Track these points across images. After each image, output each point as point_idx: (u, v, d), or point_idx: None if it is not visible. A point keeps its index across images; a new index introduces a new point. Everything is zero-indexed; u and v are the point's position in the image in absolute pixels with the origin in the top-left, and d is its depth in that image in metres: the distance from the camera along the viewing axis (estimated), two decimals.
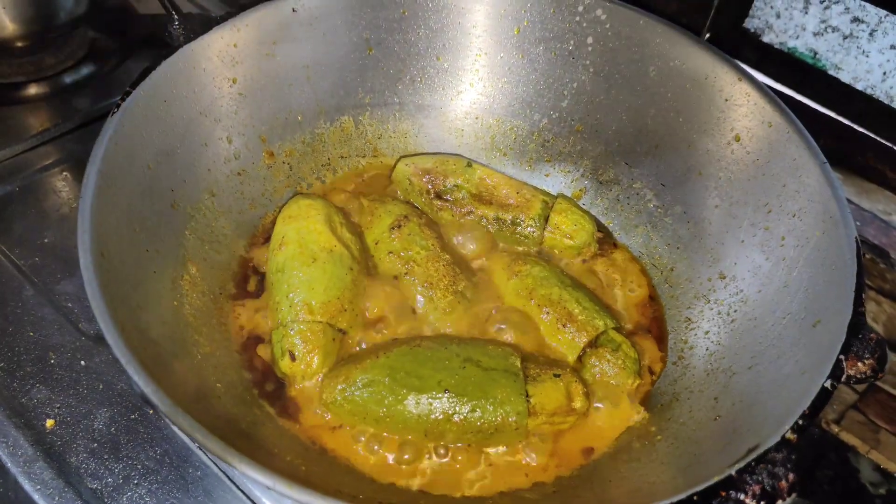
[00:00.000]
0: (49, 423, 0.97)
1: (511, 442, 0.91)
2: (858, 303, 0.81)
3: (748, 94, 1.04)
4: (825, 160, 0.95)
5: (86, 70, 1.50)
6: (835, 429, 1.06)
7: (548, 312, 1.01)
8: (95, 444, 0.95)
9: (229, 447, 0.65)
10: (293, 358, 0.93)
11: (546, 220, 1.11)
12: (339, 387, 0.90)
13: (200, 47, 1.02)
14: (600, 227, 1.16)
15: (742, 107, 1.05)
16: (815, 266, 0.90)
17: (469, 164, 1.15)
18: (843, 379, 0.75)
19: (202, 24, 1.03)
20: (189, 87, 1.01)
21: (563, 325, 1.00)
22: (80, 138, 1.35)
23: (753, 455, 0.70)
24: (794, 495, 0.68)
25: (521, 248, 1.13)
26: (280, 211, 1.08)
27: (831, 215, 0.90)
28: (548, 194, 1.16)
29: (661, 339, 1.05)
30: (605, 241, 1.15)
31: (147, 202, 0.93)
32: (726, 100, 1.06)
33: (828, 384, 0.74)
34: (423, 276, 1.03)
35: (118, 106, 0.91)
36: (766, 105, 1.02)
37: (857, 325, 0.79)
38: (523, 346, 1.00)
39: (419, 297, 1.02)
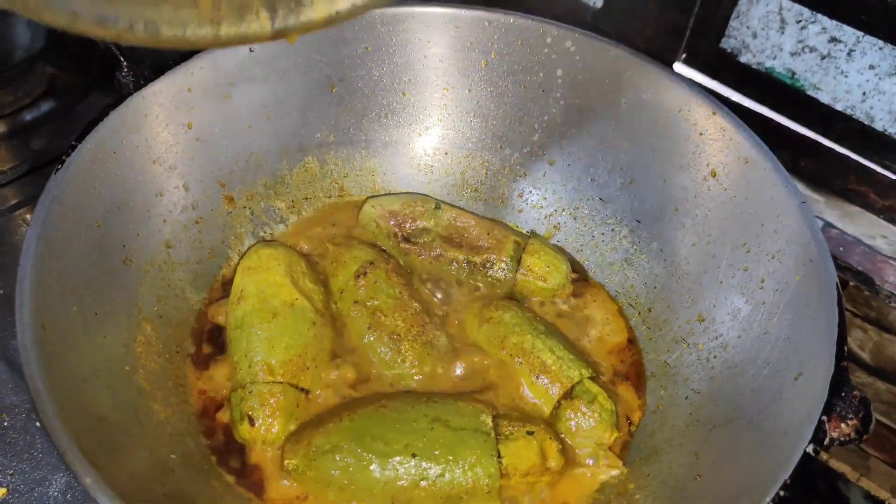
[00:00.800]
0: (1, 491, 0.92)
1: None
2: (840, 356, 0.77)
3: (723, 128, 1.00)
4: (804, 199, 0.92)
5: (45, 107, 1.45)
6: (824, 456, 1.03)
7: (520, 363, 0.97)
8: None
9: None
10: (252, 423, 0.89)
11: (519, 261, 1.08)
12: (301, 453, 0.86)
13: (152, 93, 0.97)
14: (575, 266, 1.13)
15: (717, 141, 1.01)
16: (795, 312, 0.87)
17: (437, 206, 1.11)
18: (825, 442, 0.71)
19: (153, 69, 0.98)
20: (140, 135, 0.96)
21: (537, 377, 0.96)
22: (36, 180, 1.30)
23: None
24: None
25: (492, 292, 1.09)
26: (240, 261, 1.03)
27: (811, 258, 0.87)
28: (520, 234, 1.12)
29: (639, 387, 1.02)
30: (580, 280, 1.12)
31: (96, 262, 0.88)
32: (701, 134, 1.03)
33: (810, 449, 0.71)
34: (390, 327, 0.99)
35: (62, 162, 0.87)
36: (743, 140, 0.98)
37: (840, 382, 0.75)
38: (496, 400, 0.96)
39: (386, 350, 0.98)
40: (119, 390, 0.83)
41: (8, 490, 0.92)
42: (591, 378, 0.96)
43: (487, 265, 1.08)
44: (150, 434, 0.83)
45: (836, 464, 1.03)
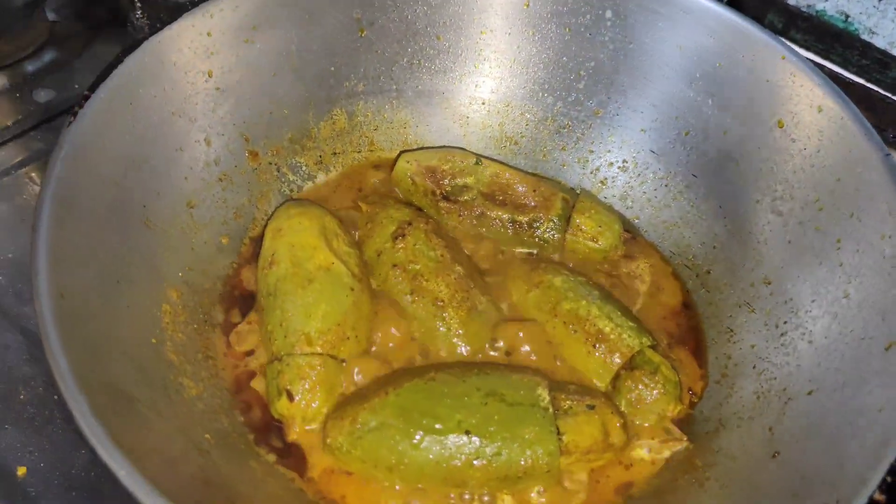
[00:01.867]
0: (20, 470, 0.85)
1: (541, 485, 0.80)
2: None
3: (793, 74, 0.92)
4: (888, 151, 0.84)
5: (48, 57, 1.36)
6: None
7: (575, 330, 0.90)
8: (74, 493, 0.84)
9: None
10: (291, 398, 0.82)
11: (567, 220, 1.00)
12: (346, 430, 0.80)
13: (169, 38, 0.89)
14: (626, 225, 1.05)
15: (785, 88, 0.93)
16: (881, 276, 0.80)
17: (478, 161, 1.03)
18: None
19: (169, 12, 0.90)
20: (158, 85, 0.88)
21: (594, 346, 0.89)
22: (45, 135, 1.22)
23: None
24: None
25: (540, 254, 1.01)
26: (268, 222, 0.96)
27: None
28: (568, 190, 1.05)
29: (699, 354, 0.95)
30: (633, 240, 1.04)
31: (115, 224, 0.81)
32: (767, 80, 0.94)
33: None
34: (433, 293, 0.91)
35: (74, 114, 0.79)
36: (815, 87, 0.90)
37: None
38: (550, 371, 0.89)
39: (430, 317, 0.91)
40: (146, 365, 0.76)
41: (28, 469, 0.86)
42: (652, 347, 0.90)
43: (534, 225, 1.00)
44: (182, 413, 0.77)
45: None
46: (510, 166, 1.07)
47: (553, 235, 1.00)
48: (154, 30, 0.88)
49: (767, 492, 0.74)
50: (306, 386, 0.82)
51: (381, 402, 0.80)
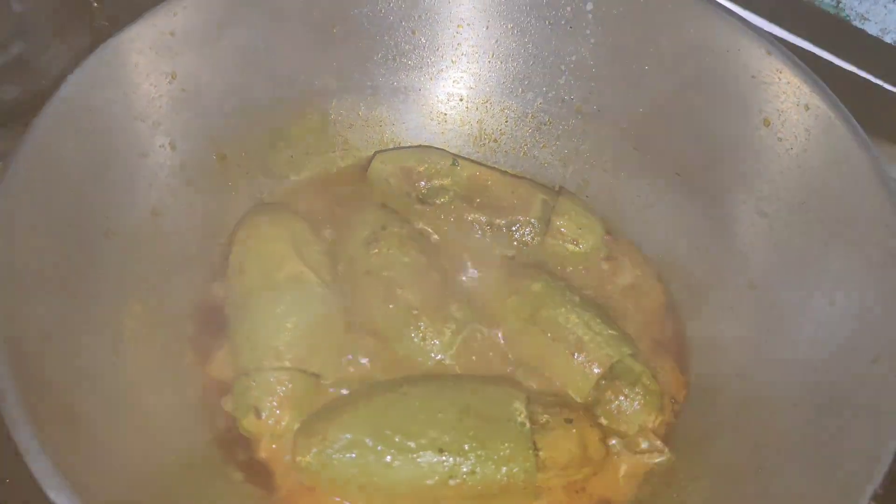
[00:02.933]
0: None
1: (519, 502, 0.78)
2: None
3: (779, 70, 0.89)
4: (877, 153, 0.81)
5: (15, 49, 1.32)
6: None
7: (554, 338, 0.88)
8: None
9: None
10: (258, 415, 0.80)
11: (547, 222, 0.97)
12: (314, 449, 0.77)
13: (129, 39, 0.86)
14: (608, 226, 1.02)
15: (772, 85, 0.90)
16: (867, 284, 0.77)
17: (455, 163, 1.00)
18: None
19: (130, 11, 0.86)
20: (118, 88, 0.85)
21: (573, 354, 0.86)
22: (10, 134, 1.18)
23: None
24: None
25: (518, 257, 0.98)
26: (237, 228, 0.93)
27: (887, 224, 0.77)
28: (548, 190, 1.02)
29: (682, 360, 0.93)
30: (615, 242, 1.01)
31: (74, 238, 0.78)
32: (752, 76, 0.91)
33: None
34: (407, 300, 0.89)
35: (28, 125, 0.75)
36: (802, 84, 0.87)
37: None
38: (527, 382, 0.87)
39: (404, 325, 0.88)
40: (106, 386, 0.74)
41: None
42: (632, 355, 0.87)
43: (512, 227, 0.98)
44: (144, 434, 0.74)
45: None
46: (488, 166, 1.04)
47: (532, 238, 0.97)
48: (116, 26, 0.85)
49: None
50: (274, 403, 0.80)
51: (351, 417, 0.78)
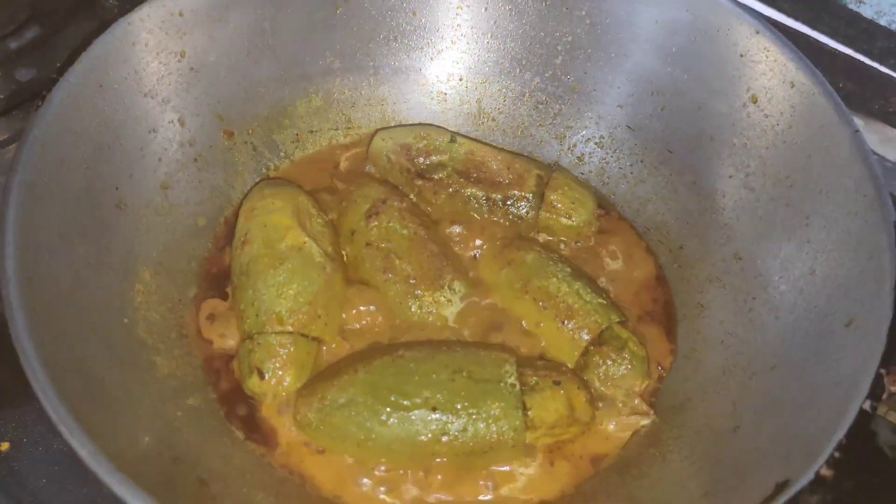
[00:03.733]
0: (3, 445, 0.87)
1: (508, 459, 0.82)
2: None
3: (766, 49, 0.92)
4: (857, 128, 0.83)
5: (30, 34, 1.35)
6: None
7: (545, 307, 0.91)
8: (56, 467, 0.86)
9: None
10: (262, 376, 0.83)
11: (542, 197, 1.00)
12: (315, 406, 0.81)
13: (139, 19, 0.89)
14: (601, 201, 1.05)
15: (759, 64, 0.93)
16: (845, 252, 0.80)
17: (453, 139, 1.03)
18: (884, 397, 0.66)
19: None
20: (129, 66, 0.88)
21: (563, 322, 0.90)
22: (26, 114, 1.21)
23: (784, 496, 0.61)
24: None
25: (514, 231, 1.01)
26: (243, 201, 0.96)
27: (865, 194, 0.80)
28: (543, 166, 1.05)
29: (669, 328, 0.96)
30: (607, 215, 1.04)
31: (87, 207, 0.82)
32: (741, 55, 0.94)
33: (867, 405, 0.65)
34: (405, 270, 0.92)
35: (42, 98, 0.79)
36: (788, 62, 0.90)
37: None
38: (519, 348, 0.90)
39: (402, 294, 0.92)
40: (117, 346, 0.78)
41: (10, 444, 0.87)
42: (621, 322, 0.90)
43: (508, 202, 1.01)
44: (153, 391, 0.78)
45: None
46: (485, 143, 1.07)
47: (527, 212, 1.00)
48: (124, 10, 0.88)
49: (726, 465, 0.75)
50: (276, 364, 0.84)
51: (350, 378, 0.82)
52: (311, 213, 0.95)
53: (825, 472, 0.62)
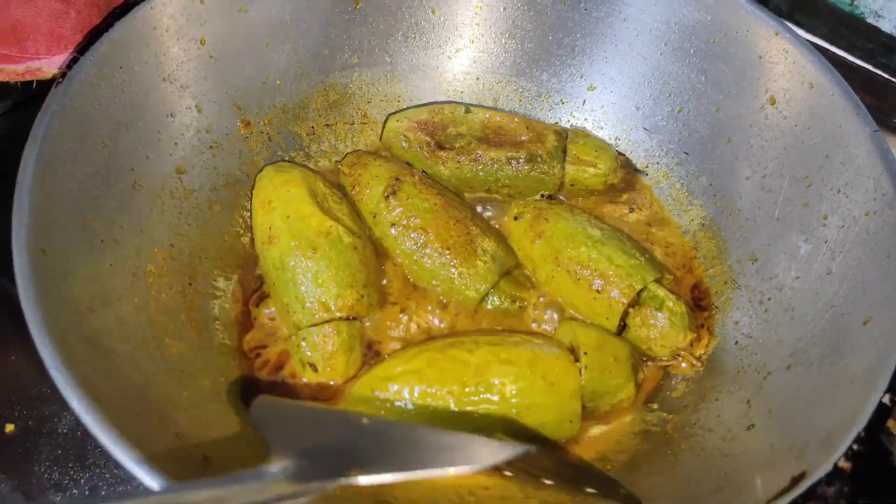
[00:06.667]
0: (8, 427, 0.87)
1: None
2: None
3: (786, 50, 0.91)
4: (877, 127, 0.83)
5: None
6: None
7: (578, 277, 0.91)
8: (60, 451, 0.86)
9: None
10: (315, 369, 0.87)
11: (564, 151, 1.01)
12: (377, 393, 0.84)
13: (161, 4, 0.89)
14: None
15: (778, 65, 0.92)
16: (863, 252, 0.79)
17: (468, 110, 1.04)
18: None
19: None
20: (149, 50, 0.89)
21: (598, 290, 0.90)
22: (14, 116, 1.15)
23: (800, 488, 0.59)
24: None
25: (540, 187, 1.02)
26: (254, 190, 0.97)
27: (884, 193, 0.79)
28: (559, 127, 1.06)
29: None
30: (627, 158, 1.07)
31: (102, 185, 0.81)
32: (760, 57, 0.94)
33: (886, 399, 0.64)
34: (434, 241, 0.93)
35: (64, 75, 0.80)
36: (807, 63, 0.90)
37: None
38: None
39: (437, 265, 0.94)
40: (128, 322, 0.77)
41: (15, 427, 0.87)
42: (657, 281, 0.91)
43: (531, 160, 1.00)
44: (162, 369, 0.78)
45: None
46: (499, 109, 1.07)
47: (552, 168, 1.00)
48: None
49: (739, 462, 0.74)
50: (325, 355, 0.86)
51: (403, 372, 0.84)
52: (325, 192, 0.96)
53: (843, 464, 0.60)
